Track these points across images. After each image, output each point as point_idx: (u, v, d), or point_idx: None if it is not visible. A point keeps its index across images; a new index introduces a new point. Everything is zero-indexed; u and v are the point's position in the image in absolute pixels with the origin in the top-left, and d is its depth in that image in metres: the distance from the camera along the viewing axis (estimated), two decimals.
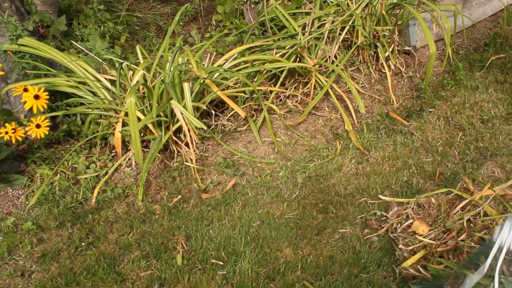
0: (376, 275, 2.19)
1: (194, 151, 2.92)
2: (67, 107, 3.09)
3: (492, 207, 2.22)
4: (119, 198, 2.74)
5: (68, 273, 2.32)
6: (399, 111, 3.21)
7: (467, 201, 2.26)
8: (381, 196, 2.53)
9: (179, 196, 2.72)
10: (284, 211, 2.57)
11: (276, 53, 3.27)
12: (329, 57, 3.39)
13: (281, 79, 3.27)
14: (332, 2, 3.53)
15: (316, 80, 3.27)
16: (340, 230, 2.43)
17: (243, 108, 3.17)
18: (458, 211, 2.25)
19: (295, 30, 3.35)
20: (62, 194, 2.76)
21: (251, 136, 3.14)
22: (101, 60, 3.14)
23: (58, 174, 2.87)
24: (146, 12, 4.42)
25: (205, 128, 2.84)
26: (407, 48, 3.68)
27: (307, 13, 3.52)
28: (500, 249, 1.37)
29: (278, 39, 3.34)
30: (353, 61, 3.56)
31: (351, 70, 3.54)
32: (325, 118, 3.23)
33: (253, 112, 3.24)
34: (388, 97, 3.34)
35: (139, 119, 2.72)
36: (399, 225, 2.32)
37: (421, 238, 2.20)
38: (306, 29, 3.35)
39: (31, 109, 2.70)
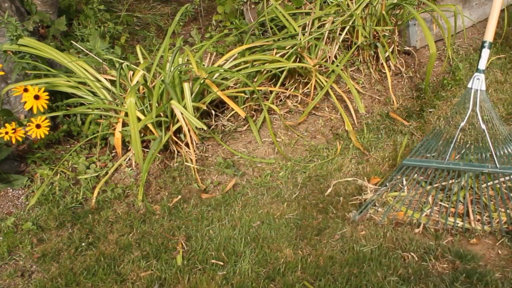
0: (376, 275, 2.19)
1: (194, 151, 2.92)
2: (67, 107, 3.10)
3: None
4: (119, 198, 2.74)
5: (68, 273, 2.32)
6: (399, 111, 3.21)
7: None
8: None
9: (179, 196, 2.72)
10: (284, 211, 2.57)
11: (276, 53, 3.27)
12: (329, 57, 3.39)
13: (281, 79, 3.27)
14: (332, 2, 3.53)
15: (316, 80, 3.27)
16: (340, 231, 2.43)
17: (243, 108, 3.17)
18: None
19: (295, 30, 3.35)
20: (62, 194, 2.76)
21: (251, 136, 3.14)
22: (101, 60, 3.14)
23: (58, 174, 2.87)
24: (146, 12, 4.42)
25: (205, 128, 2.84)
26: (407, 48, 3.68)
27: (307, 13, 3.52)
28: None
29: (278, 39, 3.34)
30: (353, 61, 3.56)
31: (351, 70, 3.54)
32: (325, 118, 3.23)
33: (253, 112, 3.24)
34: (388, 97, 3.34)
35: (139, 119, 2.72)
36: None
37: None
38: (306, 29, 3.35)
39: (31, 109, 2.70)
